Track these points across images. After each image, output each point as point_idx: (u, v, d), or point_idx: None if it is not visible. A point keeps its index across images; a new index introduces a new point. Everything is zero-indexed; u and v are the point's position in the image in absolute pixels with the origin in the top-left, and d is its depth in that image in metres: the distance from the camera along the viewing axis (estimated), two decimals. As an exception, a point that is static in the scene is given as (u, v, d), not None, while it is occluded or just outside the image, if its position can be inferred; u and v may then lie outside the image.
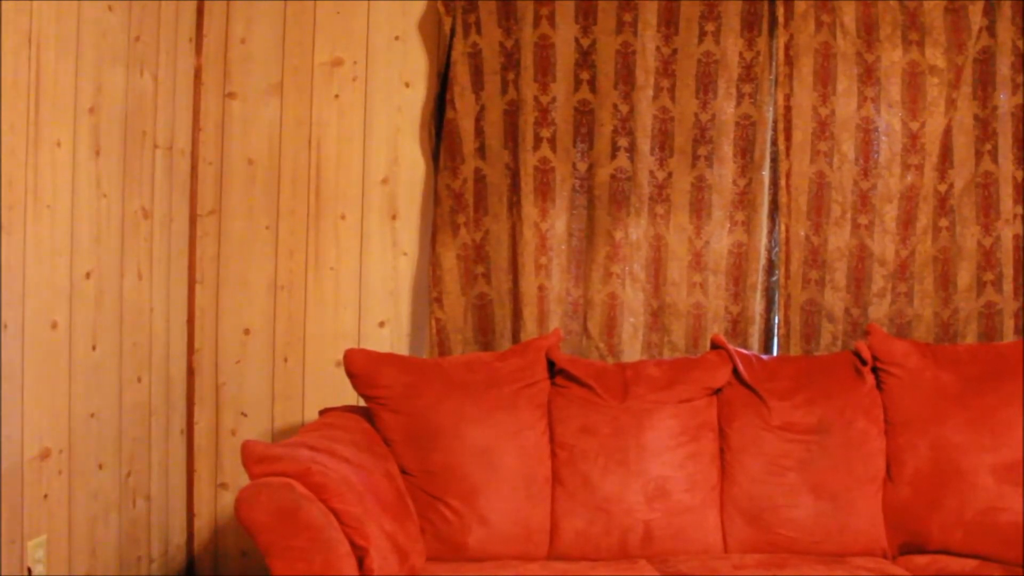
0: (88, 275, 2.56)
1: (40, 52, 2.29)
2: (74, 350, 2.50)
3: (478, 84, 3.13)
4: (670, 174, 3.14)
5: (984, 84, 3.12)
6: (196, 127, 3.21)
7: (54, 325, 2.40)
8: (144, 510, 2.93)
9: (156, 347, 2.99)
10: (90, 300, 2.58)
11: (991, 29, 3.10)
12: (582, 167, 3.14)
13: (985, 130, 3.13)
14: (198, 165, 3.22)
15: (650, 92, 3.12)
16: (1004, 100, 3.11)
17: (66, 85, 2.43)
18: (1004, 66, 3.10)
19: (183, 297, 3.18)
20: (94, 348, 2.60)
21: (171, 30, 3.02)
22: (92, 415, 2.60)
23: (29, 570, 2.28)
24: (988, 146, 3.13)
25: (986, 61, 3.12)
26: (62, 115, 2.41)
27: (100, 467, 2.65)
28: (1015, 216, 3.12)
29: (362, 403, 2.88)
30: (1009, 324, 3.12)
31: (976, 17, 3.09)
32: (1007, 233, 3.12)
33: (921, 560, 2.63)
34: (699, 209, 3.15)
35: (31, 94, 2.27)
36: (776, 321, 3.19)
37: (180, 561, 3.20)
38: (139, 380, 2.88)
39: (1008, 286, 3.12)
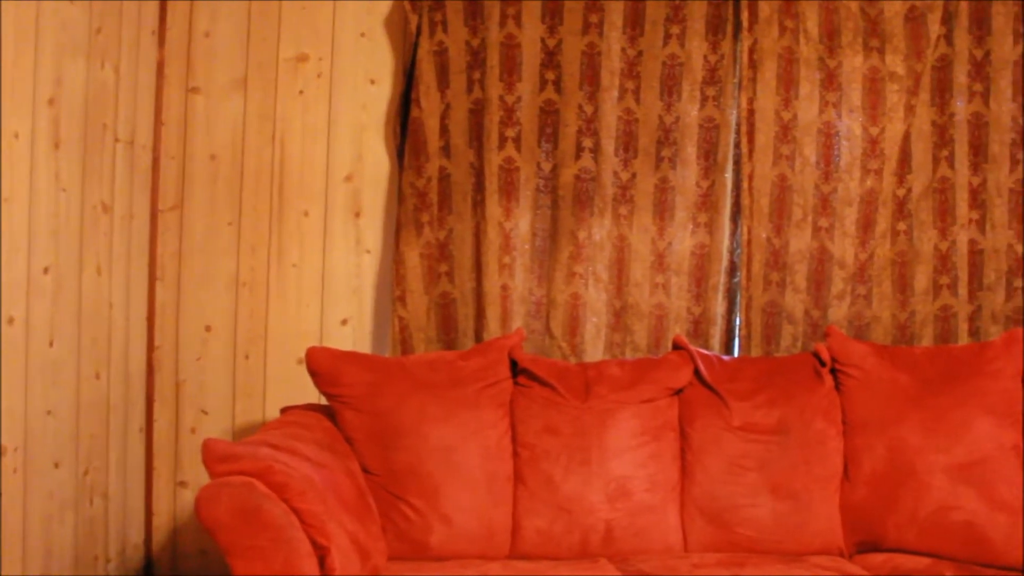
0: (46, 270, 2.53)
1: (-2, 43, 2.26)
2: (31, 346, 2.46)
3: (444, 83, 3.13)
4: (634, 175, 3.16)
5: (942, 91, 3.18)
6: (158, 121, 3.17)
7: (11, 321, 2.36)
8: (101, 509, 2.89)
9: (115, 344, 2.95)
10: (48, 296, 2.54)
11: (949, 38, 3.16)
12: (546, 167, 3.15)
13: (942, 136, 3.18)
14: (160, 160, 3.19)
15: (615, 93, 3.13)
16: (961, 107, 3.16)
17: (24, 76, 2.39)
18: (961, 74, 3.16)
19: (143, 293, 3.15)
20: (51, 344, 2.56)
21: (134, 23, 2.98)
22: (49, 412, 2.56)
23: (-18, 570, 2.24)
24: (945, 152, 3.18)
25: (944, 69, 3.17)
26: (20, 107, 2.37)
27: (56, 465, 2.61)
28: (970, 221, 3.18)
29: (324, 401, 2.87)
30: (963, 327, 3.18)
31: (935, 26, 3.14)
32: (963, 237, 3.18)
33: (877, 559, 2.67)
34: (662, 210, 3.17)
35: (-11, 86, 2.23)
36: (737, 322, 3.22)
37: (138, 560, 3.16)
38: (97, 377, 2.84)
39: (963, 289, 3.18)
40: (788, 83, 3.16)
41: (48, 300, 2.54)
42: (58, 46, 2.53)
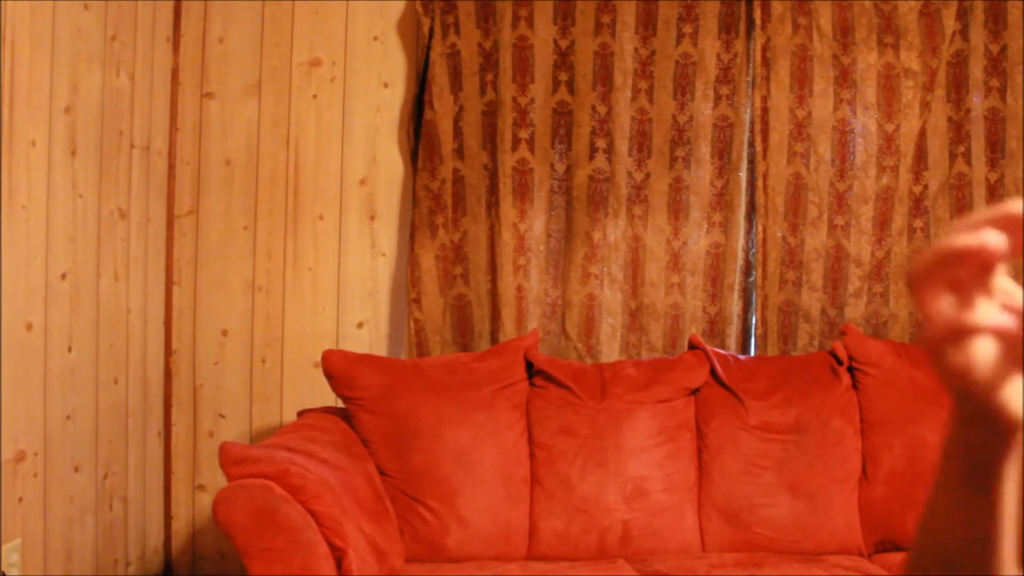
0: (64, 276, 2.54)
1: (14, 50, 2.27)
2: (49, 352, 2.48)
3: (456, 85, 3.13)
4: (648, 175, 3.16)
5: (958, 87, 3.16)
6: (173, 127, 3.19)
7: (29, 327, 2.38)
8: (121, 513, 2.91)
9: (133, 349, 2.97)
10: (66, 301, 2.56)
11: (964, 33, 3.14)
12: (560, 168, 3.15)
13: (959, 132, 3.16)
14: (175, 165, 3.21)
15: (628, 93, 3.13)
16: (977, 103, 3.14)
17: (41, 84, 2.41)
18: (977, 69, 3.14)
19: (160, 298, 3.16)
20: (70, 350, 2.58)
21: (148, 29, 3.00)
22: (68, 417, 2.58)
23: (3, 574, 2.26)
24: (962, 148, 3.16)
25: (959, 64, 3.15)
26: (37, 115, 2.39)
27: (76, 469, 2.63)
28: (988, 217, 3.15)
29: (340, 404, 2.87)
30: (982, 324, 3.15)
31: (950, 21, 3.12)
32: (981, 234, 3.15)
33: (896, 558, 2.66)
34: (677, 210, 3.16)
35: (5, 93, 2.25)
36: (753, 321, 3.21)
37: (157, 564, 3.18)
38: (116, 382, 2.86)
39: (981, 287, 3.15)
40: (802, 81, 3.14)
41: (66, 306, 2.56)
42: (74, 54, 2.55)
